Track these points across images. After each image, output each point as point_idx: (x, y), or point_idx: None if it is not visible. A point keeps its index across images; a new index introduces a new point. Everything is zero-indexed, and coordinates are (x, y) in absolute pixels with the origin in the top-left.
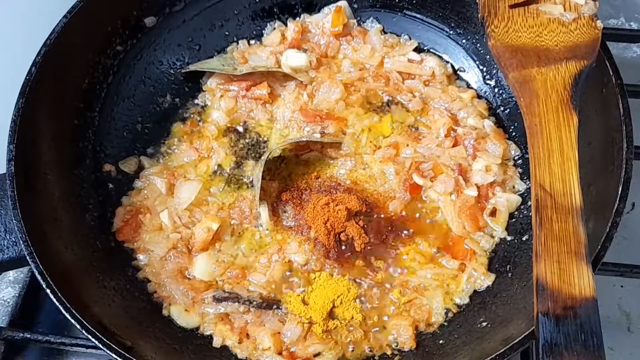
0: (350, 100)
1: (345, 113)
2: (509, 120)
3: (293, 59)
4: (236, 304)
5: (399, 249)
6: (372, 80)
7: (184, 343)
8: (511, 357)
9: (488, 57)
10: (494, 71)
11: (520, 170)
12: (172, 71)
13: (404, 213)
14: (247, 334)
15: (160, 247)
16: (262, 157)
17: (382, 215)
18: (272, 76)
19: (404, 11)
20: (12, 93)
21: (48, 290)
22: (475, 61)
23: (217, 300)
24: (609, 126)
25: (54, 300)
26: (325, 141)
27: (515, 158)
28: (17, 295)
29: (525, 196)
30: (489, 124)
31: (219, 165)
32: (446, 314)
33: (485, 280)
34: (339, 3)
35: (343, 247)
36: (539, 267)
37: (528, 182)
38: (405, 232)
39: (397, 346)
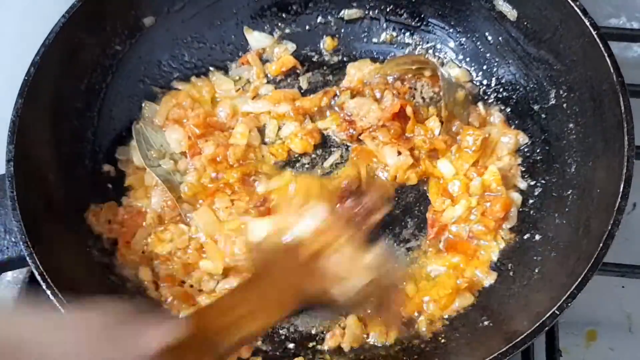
0: None
1: None
2: (509, 119)
3: None
4: None
5: None
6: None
7: None
8: (512, 356)
9: (488, 55)
10: (494, 69)
11: (522, 168)
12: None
13: None
14: None
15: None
16: None
17: None
18: None
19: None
20: (11, 93)
21: (48, 291)
22: (475, 60)
23: None
24: (610, 125)
25: (54, 301)
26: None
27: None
28: (16, 295)
29: (526, 194)
30: (498, 115)
31: None
32: None
33: (487, 278)
34: None
35: None
36: None
37: (529, 180)
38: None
39: None
